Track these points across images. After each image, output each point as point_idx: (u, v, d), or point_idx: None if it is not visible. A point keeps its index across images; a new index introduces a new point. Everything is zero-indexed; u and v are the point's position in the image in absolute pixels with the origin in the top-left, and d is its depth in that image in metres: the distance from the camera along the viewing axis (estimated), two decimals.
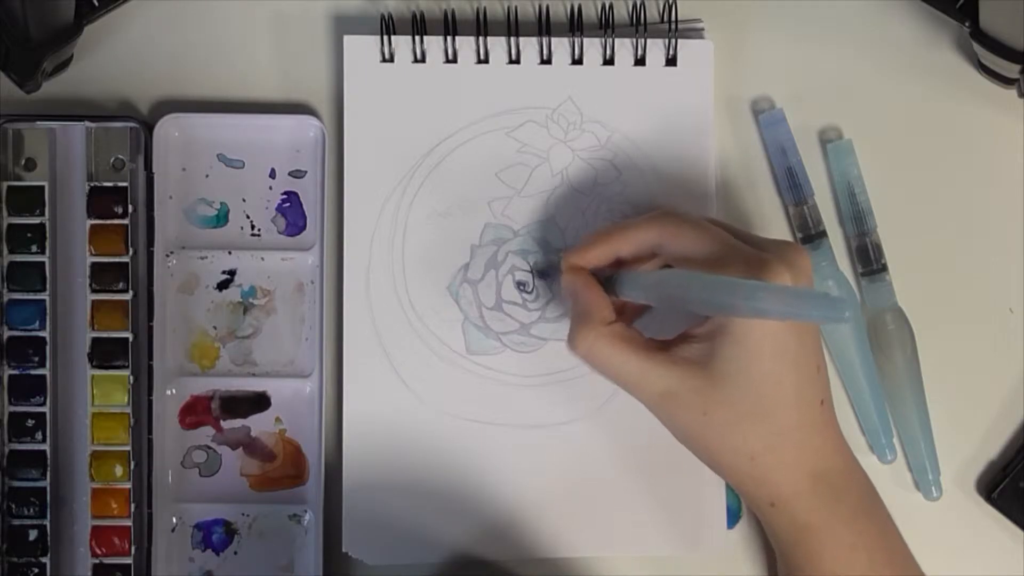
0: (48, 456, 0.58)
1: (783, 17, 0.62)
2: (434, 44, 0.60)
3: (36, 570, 0.58)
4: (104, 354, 0.58)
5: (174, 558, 0.60)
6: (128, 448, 0.58)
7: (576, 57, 0.60)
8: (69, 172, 0.59)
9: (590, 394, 0.60)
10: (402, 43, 0.60)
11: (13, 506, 0.58)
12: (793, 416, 0.52)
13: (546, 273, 0.60)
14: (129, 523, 0.58)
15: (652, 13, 0.61)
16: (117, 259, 0.59)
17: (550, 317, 0.60)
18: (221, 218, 0.61)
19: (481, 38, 0.60)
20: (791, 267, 0.51)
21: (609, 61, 0.60)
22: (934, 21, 0.61)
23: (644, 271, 0.55)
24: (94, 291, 0.58)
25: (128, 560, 0.58)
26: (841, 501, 0.53)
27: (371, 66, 0.60)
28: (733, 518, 0.61)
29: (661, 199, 0.60)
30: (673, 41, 0.60)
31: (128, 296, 0.59)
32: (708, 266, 0.52)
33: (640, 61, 0.60)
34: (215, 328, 0.60)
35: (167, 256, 0.60)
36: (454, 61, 0.60)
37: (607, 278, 0.55)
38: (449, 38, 0.60)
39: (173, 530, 0.60)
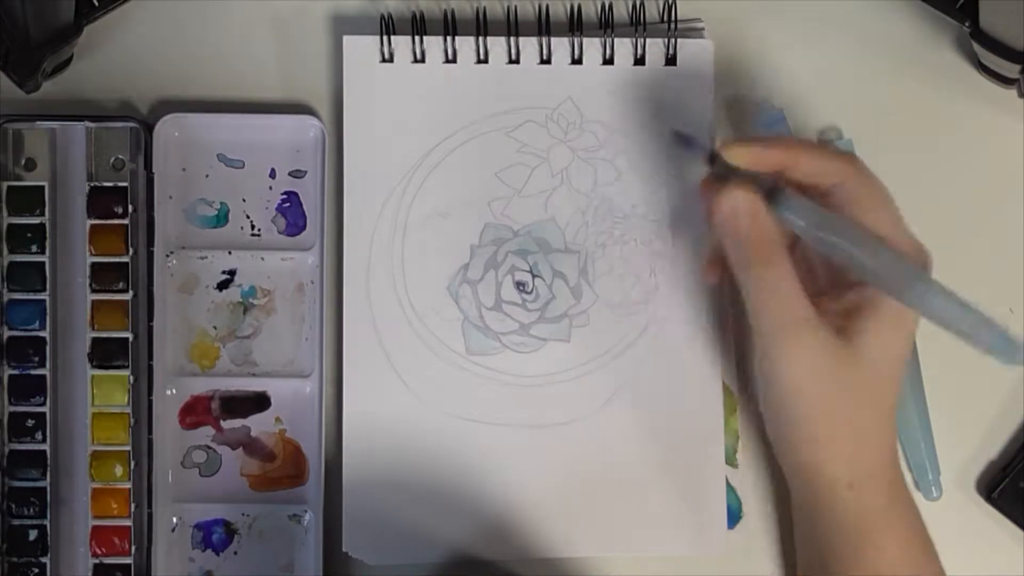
0: (48, 456, 0.58)
1: (783, 17, 0.62)
2: (434, 44, 0.60)
3: (36, 570, 0.58)
4: (104, 354, 0.58)
5: (174, 558, 0.60)
6: (128, 448, 0.58)
7: (576, 57, 0.60)
8: (69, 172, 0.59)
9: (590, 394, 0.60)
10: (402, 43, 0.60)
11: (13, 506, 0.58)
12: (892, 401, 0.53)
13: (546, 275, 0.60)
14: (129, 523, 0.58)
15: (652, 13, 0.61)
16: (117, 259, 0.59)
17: (549, 317, 0.60)
18: (221, 218, 0.61)
19: (481, 38, 0.60)
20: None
21: (609, 61, 0.60)
22: (934, 21, 0.61)
23: (832, 213, 0.52)
24: (94, 291, 0.59)
25: (128, 560, 0.58)
26: (898, 491, 0.54)
27: (371, 66, 0.60)
28: (734, 518, 0.61)
29: (661, 200, 0.60)
30: (673, 41, 0.60)
31: (128, 296, 0.59)
32: (876, 235, 0.51)
33: (640, 61, 0.60)
34: (215, 328, 0.60)
35: (167, 256, 0.60)
36: (454, 61, 0.60)
37: (768, 190, 0.52)
38: (449, 38, 0.60)
39: (173, 530, 0.60)
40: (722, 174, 0.53)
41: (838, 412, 0.52)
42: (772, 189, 0.52)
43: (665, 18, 0.60)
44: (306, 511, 0.60)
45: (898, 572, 0.53)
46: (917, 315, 0.52)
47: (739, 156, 0.53)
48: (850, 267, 0.51)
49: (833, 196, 0.53)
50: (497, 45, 0.60)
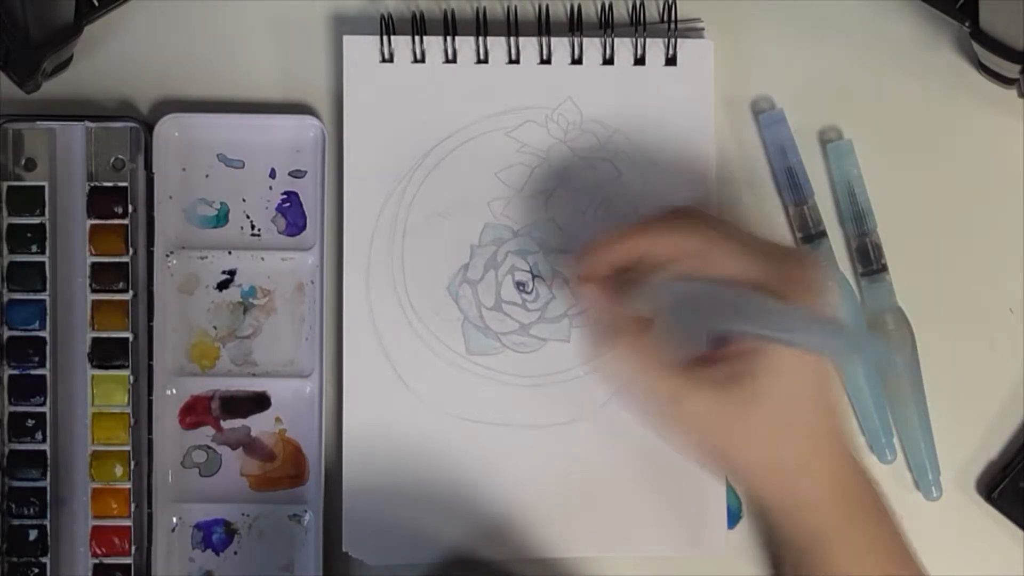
0: (48, 456, 0.58)
1: (783, 17, 0.62)
2: (434, 44, 0.60)
3: (36, 570, 0.58)
4: (104, 354, 0.58)
5: (174, 558, 0.60)
6: (128, 448, 0.58)
7: (576, 57, 0.60)
8: (69, 172, 0.59)
9: (590, 394, 0.60)
10: (402, 43, 0.60)
11: (13, 506, 0.58)
12: (822, 426, 0.52)
13: (546, 275, 0.60)
14: (129, 523, 0.58)
15: (652, 13, 0.61)
16: (117, 259, 0.59)
17: (549, 317, 0.60)
18: (221, 218, 0.61)
19: (481, 38, 0.60)
20: (810, 291, 0.51)
21: (609, 61, 0.60)
22: (934, 21, 0.61)
23: (668, 283, 0.52)
24: (94, 291, 0.59)
25: (128, 560, 0.58)
26: (857, 506, 0.53)
27: (371, 66, 0.60)
28: (733, 519, 0.61)
29: (661, 199, 0.60)
30: (673, 41, 0.60)
31: (128, 296, 0.59)
32: (738, 283, 0.51)
33: (640, 61, 0.60)
34: (215, 328, 0.60)
35: (167, 256, 0.60)
36: (454, 61, 0.60)
37: (619, 281, 0.54)
38: (449, 38, 0.60)
39: (173, 530, 0.60)
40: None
41: (746, 453, 0.52)
42: (619, 280, 0.53)
43: (665, 18, 0.60)
44: (306, 511, 0.60)
45: None
46: (811, 357, 0.51)
47: (584, 264, 0.55)
48: (733, 328, 0.51)
49: (699, 268, 0.52)
50: (497, 45, 0.60)
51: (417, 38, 0.60)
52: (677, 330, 0.53)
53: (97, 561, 0.58)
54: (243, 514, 0.60)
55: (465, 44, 0.60)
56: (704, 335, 0.53)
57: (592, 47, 0.60)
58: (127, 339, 0.58)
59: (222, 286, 0.60)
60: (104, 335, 0.58)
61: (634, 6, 0.60)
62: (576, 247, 0.59)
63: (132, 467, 0.58)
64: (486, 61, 0.60)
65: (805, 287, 0.51)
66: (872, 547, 0.52)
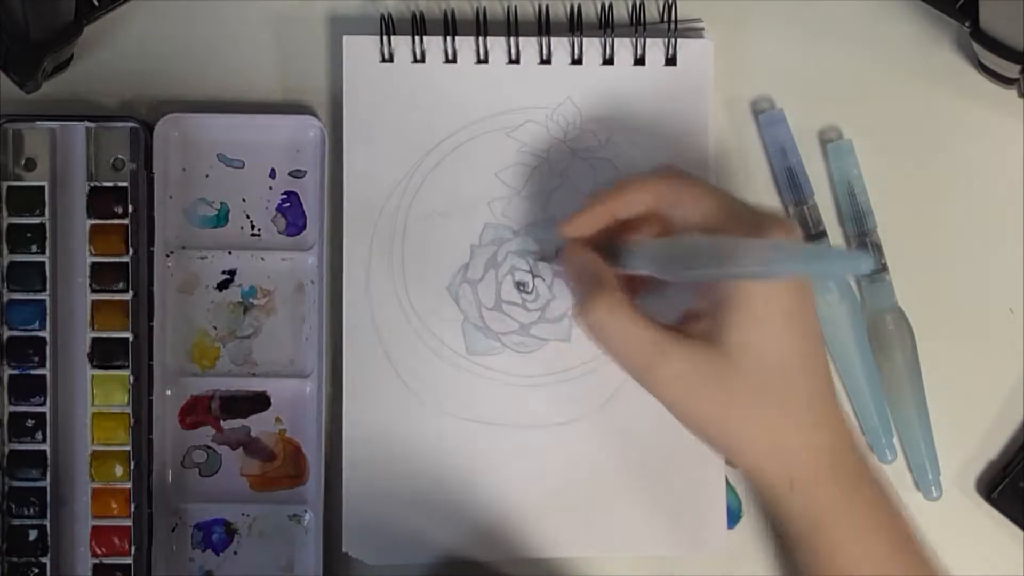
0: (48, 456, 0.58)
1: (783, 17, 0.62)
2: (434, 44, 0.60)
3: (36, 570, 0.58)
4: (104, 354, 0.58)
5: (174, 558, 0.60)
6: (128, 448, 0.58)
7: (576, 57, 0.60)
8: (69, 172, 0.59)
9: (590, 394, 0.60)
10: (402, 43, 0.60)
11: (13, 506, 0.58)
12: (807, 385, 0.50)
13: (546, 275, 0.60)
14: (129, 523, 0.58)
15: (652, 13, 0.61)
16: (117, 259, 0.59)
17: (550, 317, 0.60)
18: (221, 218, 0.61)
19: (481, 38, 0.60)
20: (789, 231, 0.50)
21: (609, 61, 0.60)
22: (934, 21, 0.61)
23: (648, 239, 0.53)
24: (94, 291, 0.58)
25: (128, 560, 0.58)
26: (859, 483, 0.52)
27: (371, 66, 0.60)
28: (733, 518, 0.61)
29: None
30: (673, 41, 0.60)
31: (128, 296, 0.59)
32: (709, 227, 0.51)
33: (640, 61, 0.60)
34: (215, 328, 0.60)
35: (167, 256, 0.60)
36: (454, 61, 0.60)
37: (606, 250, 0.54)
38: (449, 38, 0.60)
39: (173, 530, 0.60)
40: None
41: (730, 419, 0.50)
42: (606, 251, 0.53)
43: (665, 18, 0.60)
44: (306, 511, 0.60)
45: (861, 569, 0.51)
46: (783, 293, 0.49)
47: (572, 230, 0.55)
48: (703, 278, 0.50)
49: (662, 215, 0.53)
50: (497, 45, 0.60)
51: (417, 38, 0.60)
52: (661, 297, 0.54)
53: (97, 561, 0.58)
54: (243, 514, 0.60)
55: (465, 44, 0.60)
56: (688, 291, 0.53)
57: (592, 47, 0.60)
58: (127, 339, 0.58)
59: (222, 286, 0.60)
60: (104, 335, 0.58)
61: (634, 6, 0.60)
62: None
63: (132, 467, 0.58)
64: (486, 61, 0.60)
65: (775, 223, 0.50)
66: (877, 526, 0.51)
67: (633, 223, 0.54)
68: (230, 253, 0.60)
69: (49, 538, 0.58)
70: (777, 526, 0.54)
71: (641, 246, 0.53)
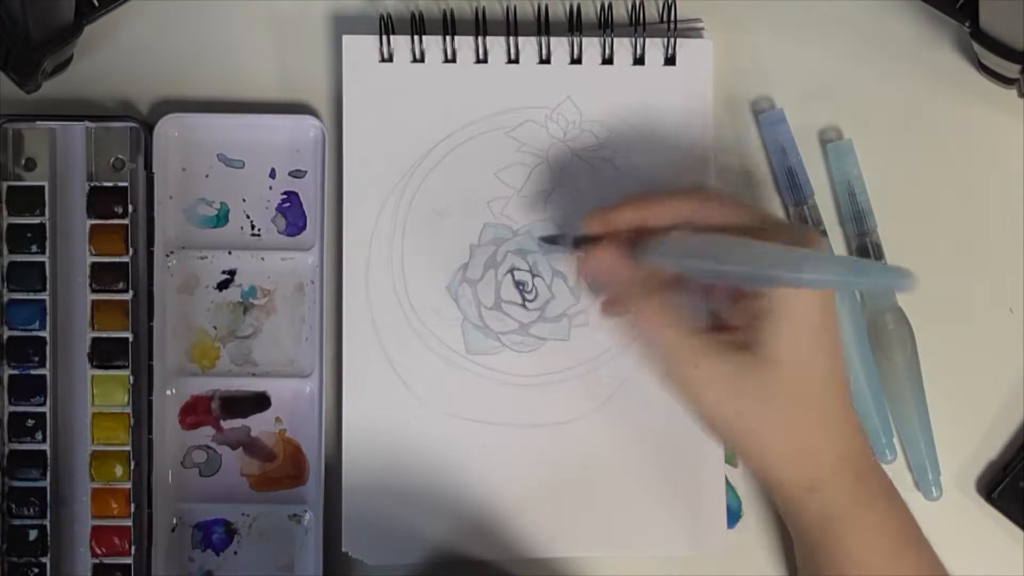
0: (48, 456, 0.58)
1: (783, 17, 0.62)
2: (433, 44, 0.60)
3: (36, 570, 0.58)
4: (104, 354, 0.58)
5: (174, 558, 0.60)
6: (128, 448, 0.58)
7: (575, 57, 0.60)
8: (69, 172, 0.59)
9: (589, 394, 0.60)
10: (401, 43, 0.60)
11: (13, 506, 0.58)
12: (829, 396, 0.52)
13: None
14: (129, 523, 0.58)
15: (651, 12, 0.61)
16: (117, 259, 0.59)
17: (549, 317, 0.60)
18: (221, 218, 0.61)
19: (480, 38, 0.60)
20: (824, 248, 0.51)
21: (608, 61, 0.60)
22: (934, 21, 0.61)
23: (683, 233, 0.53)
24: (94, 291, 0.59)
25: (128, 560, 0.58)
26: (866, 484, 0.53)
27: (370, 66, 0.60)
28: (733, 518, 0.61)
29: None
30: (672, 40, 0.60)
31: (128, 296, 0.59)
32: (740, 230, 0.51)
33: (639, 61, 0.60)
34: (215, 328, 0.60)
35: (167, 256, 0.60)
36: (453, 61, 0.60)
37: (629, 243, 0.54)
38: (448, 38, 0.60)
39: (173, 530, 0.60)
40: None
41: (762, 424, 0.52)
42: (633, 241, 0.53)
43: (665, 18, 0.60)
44: (306, 511, 0.60)
45: (874, 568, 0.52)
46: (819, 307, 0.51)
47: (593, 224, 0.55)
48: (739, 281, 0.51)
49: (697, 225, 0.53)
50: (496, 45, 0.60)
51: (416, 38, 0.60)
52: (690, 287, 0.54)
53: (97, 561, 0.58)
54: (243, 514, 0.60)
55: (464, 44, 0.60)
56: (717, 292, 0.54)
57: (591, 47, 0.60)
58: (127, 339, 0.58)
59: (222, 286, 0.60)
60: (104, 335, 0.58)
61: (634, 6, 0.60)
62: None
63: (132, 467, 0.58)
64: (485, 61, 0.60)
65: (811, 237, 0.51)
66: (883, 526, 0.53)
67: (655, 231, 0.54)
68: (230, 253, 0.60)
69: (49, 538, 0.58)
70: (791, 527, 0.55)
71: (675, 240, 0.52)
